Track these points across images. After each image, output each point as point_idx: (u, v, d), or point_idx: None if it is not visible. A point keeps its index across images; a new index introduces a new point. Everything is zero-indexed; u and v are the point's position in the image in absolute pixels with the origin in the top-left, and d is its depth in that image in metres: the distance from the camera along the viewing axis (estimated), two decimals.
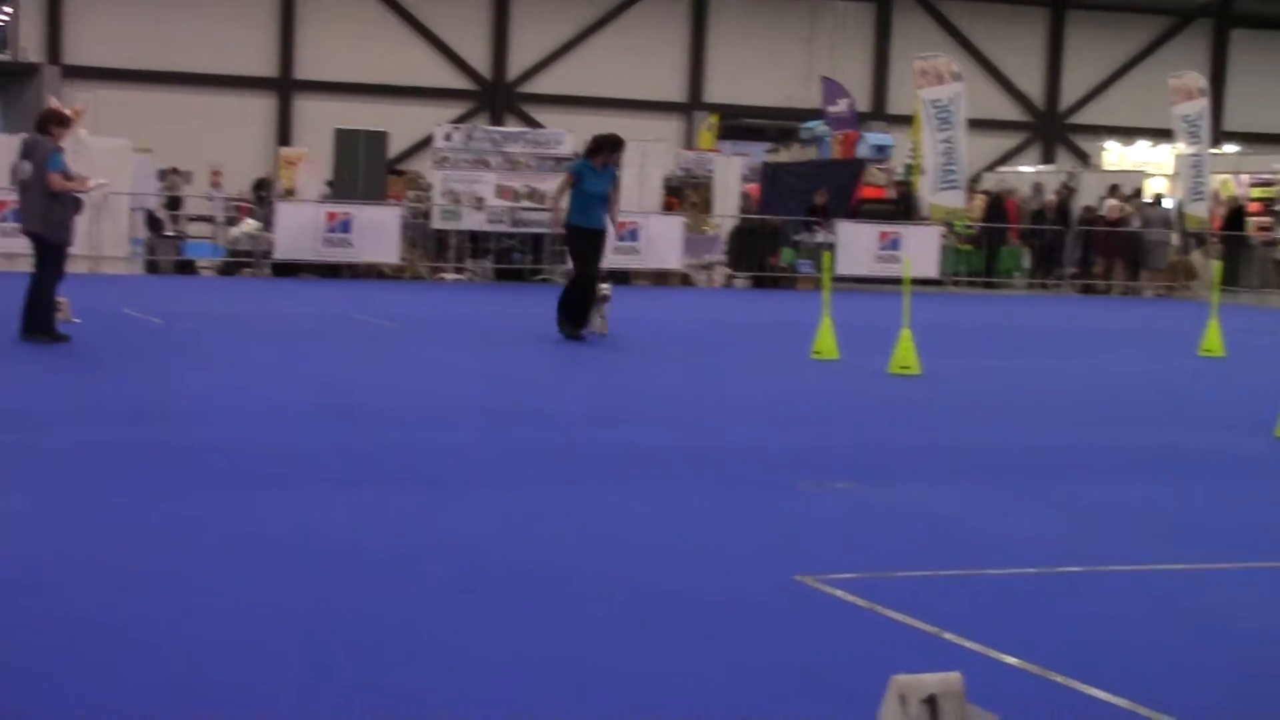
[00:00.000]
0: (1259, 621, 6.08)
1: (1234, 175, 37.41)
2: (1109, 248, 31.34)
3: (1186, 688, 5.18)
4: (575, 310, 16.35)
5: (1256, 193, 37.19)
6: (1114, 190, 33.03)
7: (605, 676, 5.08)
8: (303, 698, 4.77)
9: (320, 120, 37.84)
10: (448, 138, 26.79)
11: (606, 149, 16.51)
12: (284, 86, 43.05)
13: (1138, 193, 33.74)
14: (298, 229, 25.50)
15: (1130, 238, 31.00)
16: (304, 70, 43.16)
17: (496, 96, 44.92)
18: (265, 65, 42.81)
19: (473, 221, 26.61)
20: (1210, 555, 7.22)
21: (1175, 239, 32.27)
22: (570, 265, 16.95)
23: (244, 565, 6.33)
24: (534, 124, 40.37)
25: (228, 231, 27.29)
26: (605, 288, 16.64)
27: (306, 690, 4.85)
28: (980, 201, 32.40)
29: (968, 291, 29.46)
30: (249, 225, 26.55)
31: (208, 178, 31.78)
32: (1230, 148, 42.84)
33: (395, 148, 35.21)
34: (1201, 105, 31.89)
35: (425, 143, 34.60)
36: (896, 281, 24.03)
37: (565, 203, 16.62)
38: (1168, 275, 31.52)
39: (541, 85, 45.31)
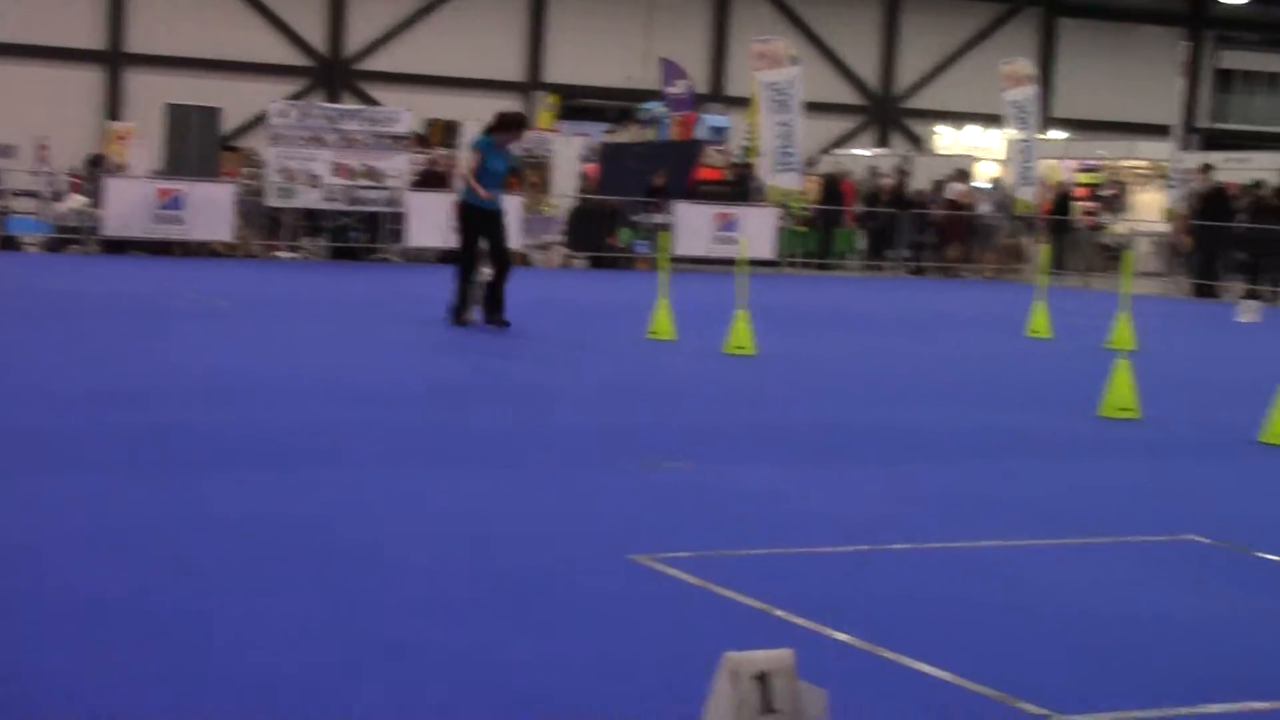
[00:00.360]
0: (1080, 596, 6.23)
1: (1061, 161, 38.24)
2: (954, 231, 31.90)
3: (1010, 662, 5.30)
4: (471, 292, 15.96)
5: (1083, 178, 38.07)
6: (962, 175, 33.56)
7: (438, 657, 5.07)
8: (104, 683, 4.69)
9: (152, 95, 37.02)
10: (282, 114, 26.42)
11: (512, 126, 16.12)
12: (114, 60, 42.11)
13: (965, 175, 34.31)
14: (127, 205, 24.98)
15: (970, 221, 31.55)
16: (135, 43, 42.25)
17: (333, 74, 44.38)
18: (94, 37, 41.81)
19: (308, 199, 26.28)
20: (1033, 532, 7.39)
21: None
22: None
23: (61, 547, 6.20)
24: (371, 102, 39.92)
25: (53, 207, 26.64)
26: (485, 273, 16.11)
27: (114, 673, 4.77)
28: (815, 184, 32.74)
29: (803, 273, 29.77)
30: (76, 201, 25.96)
31: (33, 152, 30.98)
32: (1058, 134, 43.78)
33: (229, 124, 34.60)
34: (1031, 92, 32.52)
35: (260, 119, 34.05)
36: (733, 262, 24.19)
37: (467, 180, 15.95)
38: (997, 258, 32.13)
39: (379, 63, 44.85)
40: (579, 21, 46.64)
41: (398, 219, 26.51)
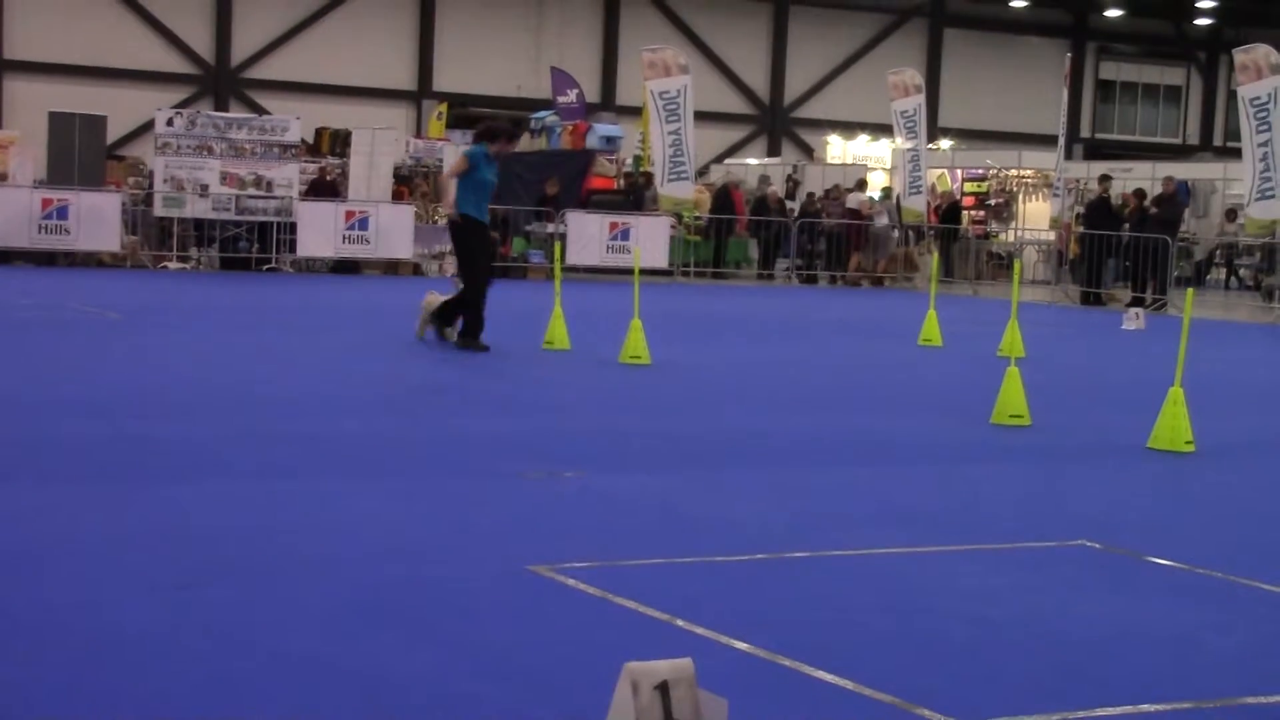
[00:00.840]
0: (974, 603, 6.29)
1: (949, 170, 38.69)
2: (855, 240, 32.23)
3: (907, 669, 5.33)
4: (467, 319, 14.92)
5: (970, 187, 38.54)
6: (861, 184, 33.81)
7: (334, 669, 5.01)
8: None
9: (34, 103, 36.48)
10: (169, 123, 26.09)
11: (504, 137, 15.29)
12: None
13: (864, 185, 34.62)
14: (11, 215, 24.54)
15: (867, 230, 31.84)
16: (15, 50, 41.59)
17: (220, 82, 43.94)
18: None
19: (197, 209, 25.97)
20: (928, 539, 7.45)
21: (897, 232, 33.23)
22: (456, 267, 15.14)
23: None
24: (260, 110, 39.57)
25: None
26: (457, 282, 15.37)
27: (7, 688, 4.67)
28: (707, 193, 32.86)
29: (697, 282, 29.86)
30: None
31: None
32: (945, 143, 44.30)
33: (115, 133, 34.19)
34: (918, 101, 32.86)
35: (146, 128, 33.64)
36: (627, 272, 24.23)
37: (453, 191, 14.92)
38: (888, 267, 32.43)
39: (267, 71, 44.48)
40: (469, 30, 46.54)
41: (288, 229, 26.26)
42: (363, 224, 26.40)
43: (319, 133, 35.62)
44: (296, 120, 27.38)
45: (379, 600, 5.88)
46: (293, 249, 26.38)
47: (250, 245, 26.70)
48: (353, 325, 17.53)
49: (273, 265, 26.42)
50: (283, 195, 26.19)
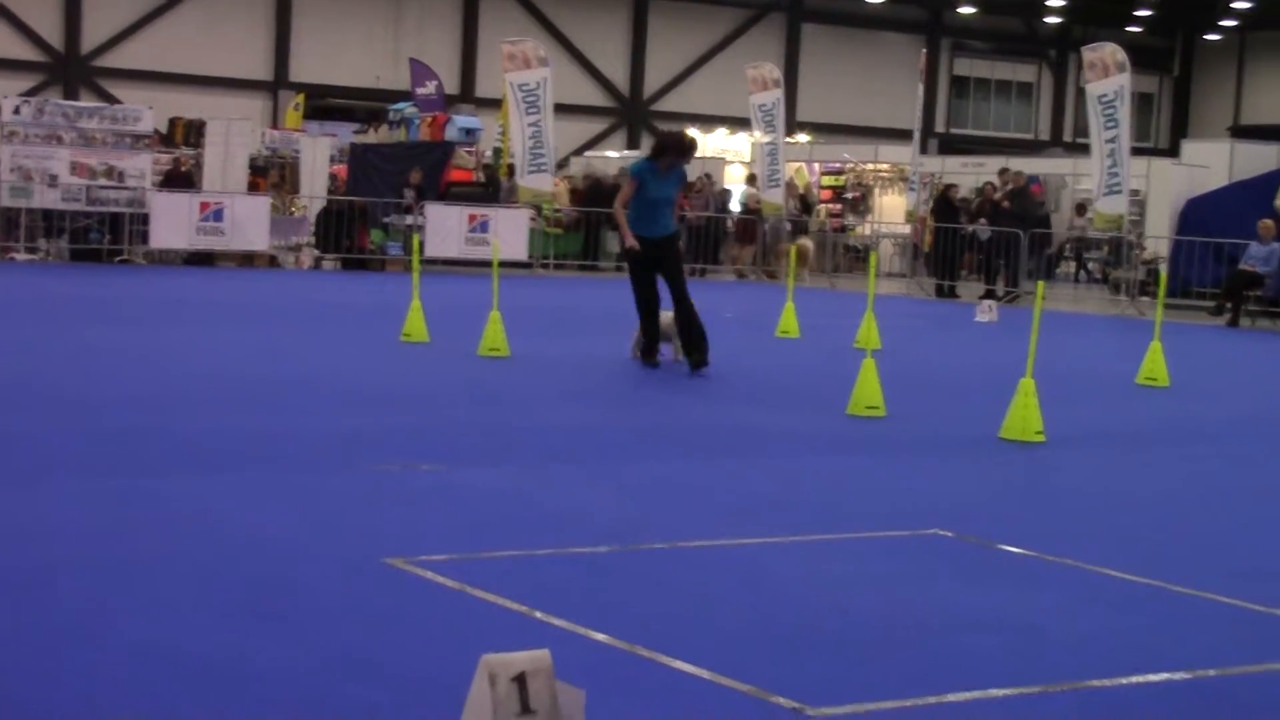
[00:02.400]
0: (830, 592, 6.36)
1: (807, 163, 39.03)
2: (745, 234, 32.47)
3: (764, 657, 5.37)
4: (692, 337, 13.88)
5: (827, 181, 38.93)
6: (752, 180, 33.97)
7: (183, 663, 4.93)
8: None
9: None
10: (16, 111, 25.53)
11: (673, 152, 13.98)
12: None
13: (755, 180, 34.83)
14: None
15: (755, 224, 32.11)
16: None
17: (70, 70, 43.07)
18: None
19: (45, 199, 25.44)
20: (785, 529, 7.51)
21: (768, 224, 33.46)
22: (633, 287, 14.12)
23: None
24: (111, 99, 38.84)
25: None
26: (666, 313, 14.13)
27: None
28: (565, 185, 32.85)
29: (557, 274, 29.84)
30: None
31: None
32: (803, 137, 44.69)
33: None
34: (776, 95, 33.09)
35: None
36: (486, 264, 24.16)
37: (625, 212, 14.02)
38: (772, 260, 32.69)
39: (118, 60, 43.68)
40: (326, 20, 46.08)
41: (141, 220, 25.82)
42: (217, 215, 26.04)
43: (173, 123, 35.11)
44: (149, 110, 26.91)
45: (234, 596, 5.81)
46: (145, 240, 25.95)
47: (102, 236, 26.23)
48: (206, 318, 17.30)
49: (125, 257, 25.98)
50: (135, 186, 25.75)
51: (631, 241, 13.75)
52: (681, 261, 14.28)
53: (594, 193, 31.77)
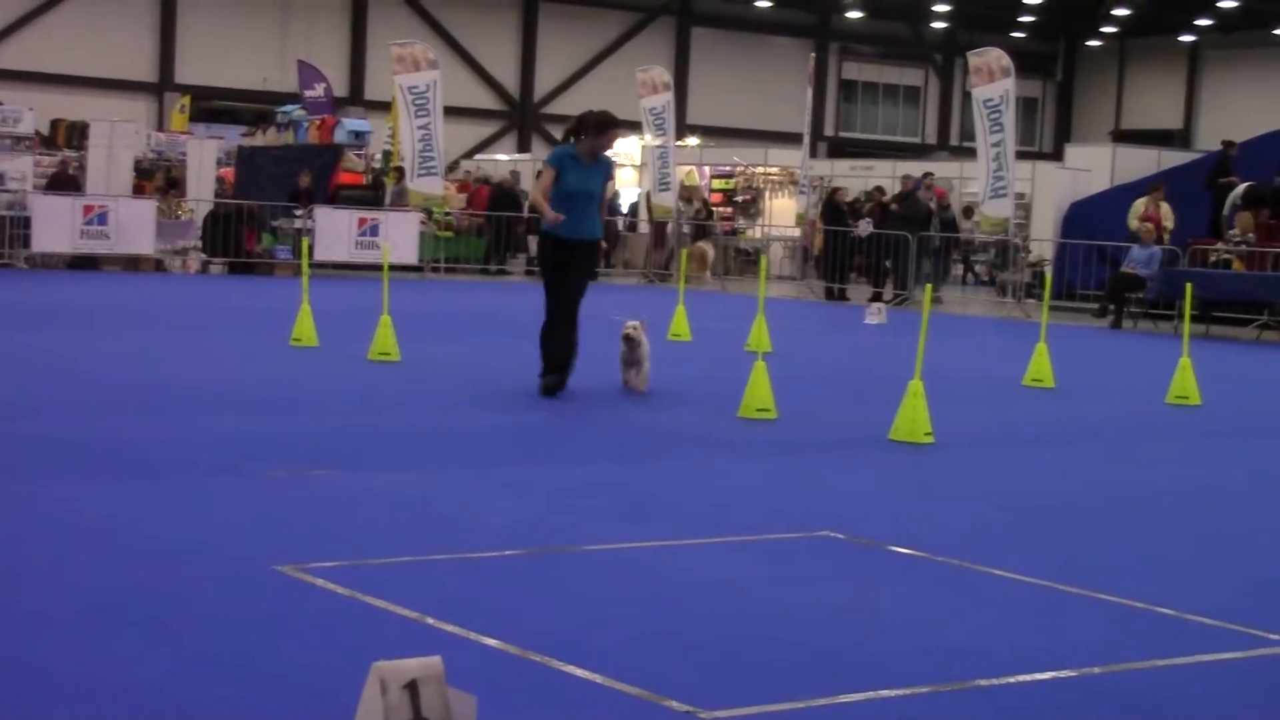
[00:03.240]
0: (722, 594, 6.38)
1: (697, 167, 39.19)
2: (657, 240, 32.64)
3: (656, 661, 5.38)
4: (552, 351, 12.34)
5: (718, 184, 39.12)
6: (689, 195, 34.03)
7: (69, 677, 4.85)
8: None
9: None
10: None
11: (591, 129, 12.29)
12: None
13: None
14: None
15: (664, 228, 32.24)
16: None
17: None
18: None
19: None
20: (676, 532, 7.52)
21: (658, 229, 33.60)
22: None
23: None
24: None
25: None
26: (632, 325, 12.60)
27: None
28: (455, 189, 32.76)
29: (449, 278, 29.71)
30: None
31: None
32: (693, 140, 44.87)
33: None
34: (667, 99, 33.20)
35: None
36: (376, 268, 24.03)
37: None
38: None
39: None
40: (212, 21, 45.61)
41: (23, 223, 25.38)
42: (101, 219, 25.68)
43: (54, 124, 34.60)
44: (29, 111, 26.49)
45: (118, 604, 5.72)
46: (27, 244, 25.52)
47: None
48: (88, 323, 17.04)
49: (5, 261, 25.54)
50: (15, 189, 25.31)
51: (553, 216, 11.96)
52: (593, 272, 12.90)
53: (500, 197, 31.72)
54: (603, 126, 12.32)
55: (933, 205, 28.95)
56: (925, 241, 28.57)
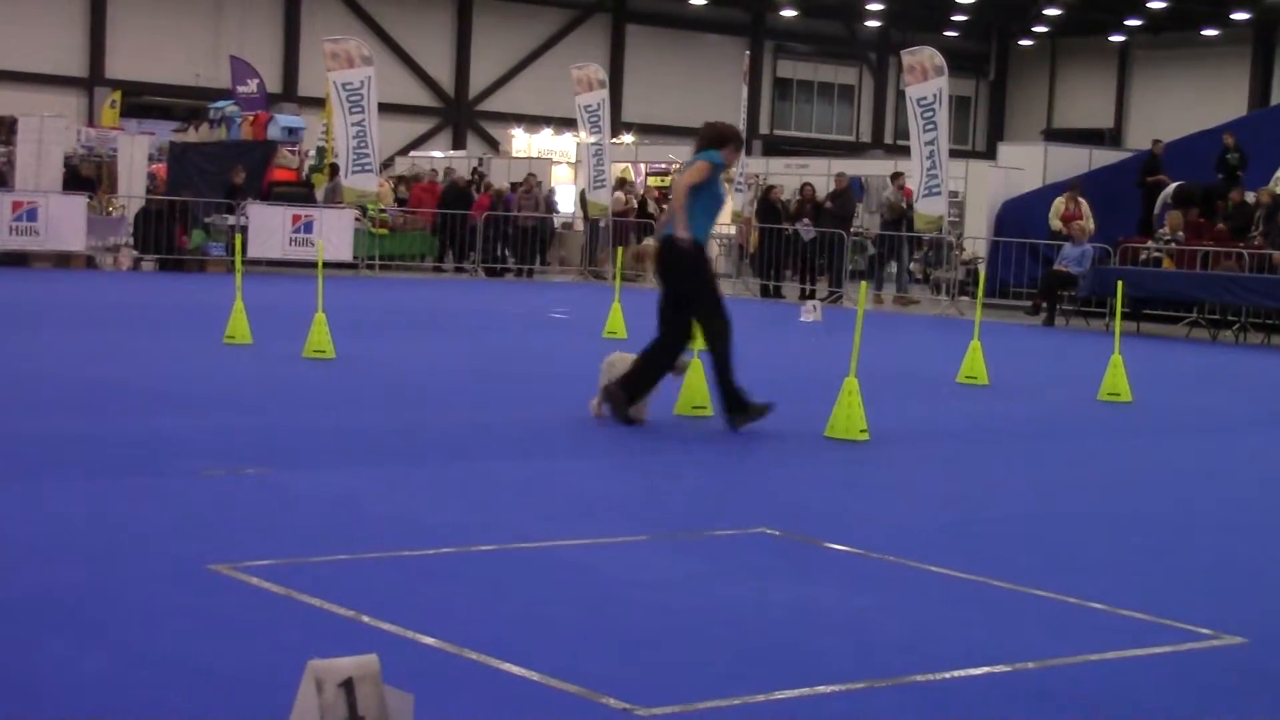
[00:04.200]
0: (657, 591, 6.38)
1: (633, 164, 39.20)
2: (619, 237, 32.66)
3: (593, 658, 5.38)
4: (646, 377, 11.03)
5: (654, 181, 39.13)
6: (622, 184, 33.98)
7: (4, 676, 4.80)
8: None
9: None
10: None
11: (736, 144, 11.57)
12: None
13: (624, 184, 34.91)
14: None
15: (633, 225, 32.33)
16: None
17: None
18: None
19: None
20: (612, 529, 7.53)
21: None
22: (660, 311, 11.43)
23: None
24: None
25: None
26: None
27: None
28: (389, 186, 32.63)
29: (383, 275, 29.59)
30: None
31: None
32: (629, 137, 44.88)
33: None
34: (602, 96, 33.18)
35: None
36: (311, 265, 23.89)
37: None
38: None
39: None
40: (143, 15, 45.21)
41: None
42: (31, 215, 25.41)
43: None
44: None
45: (47, 605, 5.66)
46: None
47: None
48: (15, 320, 16.86)
49: None
50: None
51: (685, 235, 10.99)
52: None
53: (452, 194, 31.63)
54: (741, 144, 11.88)
55: (903, 205, 29.00)
56: (894, 241, 28.76)
